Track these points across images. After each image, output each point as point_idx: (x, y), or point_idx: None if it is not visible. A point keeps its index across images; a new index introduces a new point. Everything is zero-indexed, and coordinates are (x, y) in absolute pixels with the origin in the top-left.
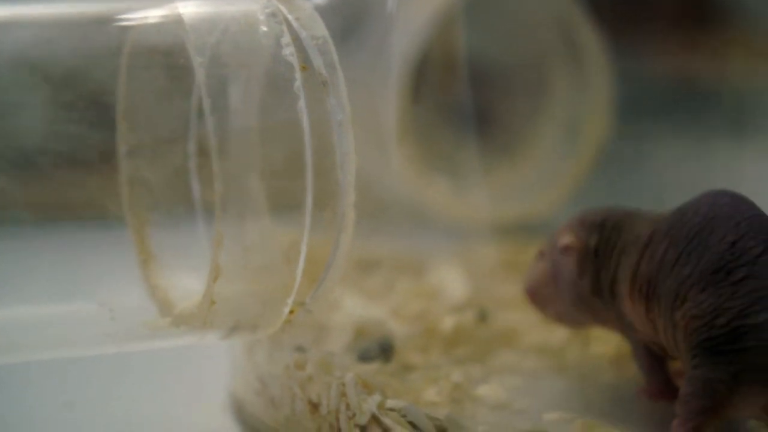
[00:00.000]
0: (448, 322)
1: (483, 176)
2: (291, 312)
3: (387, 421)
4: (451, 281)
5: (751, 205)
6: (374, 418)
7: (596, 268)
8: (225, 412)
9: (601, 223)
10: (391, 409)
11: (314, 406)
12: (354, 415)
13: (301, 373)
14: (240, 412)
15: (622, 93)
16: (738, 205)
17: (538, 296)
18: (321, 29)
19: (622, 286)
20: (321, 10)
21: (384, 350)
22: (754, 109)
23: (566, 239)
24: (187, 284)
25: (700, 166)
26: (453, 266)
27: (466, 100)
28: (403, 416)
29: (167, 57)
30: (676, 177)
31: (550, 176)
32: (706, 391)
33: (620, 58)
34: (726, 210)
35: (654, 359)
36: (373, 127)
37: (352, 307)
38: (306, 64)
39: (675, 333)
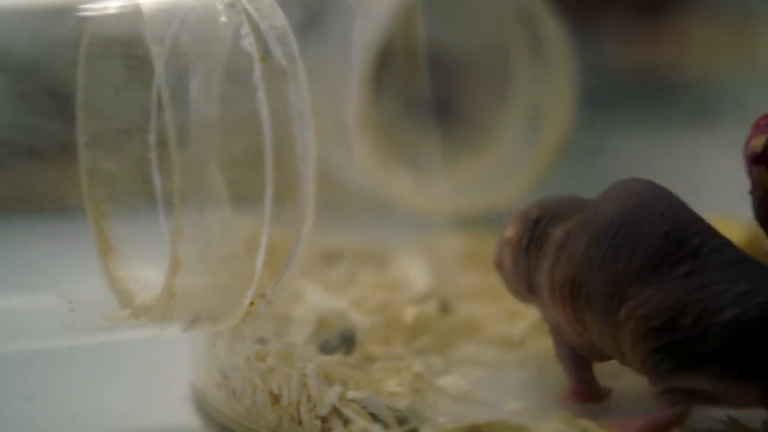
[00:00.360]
0: (410, 313)
1: (445, 167)
2: (252, 304)
3: (347, 412)
4: (414, 272)
5: (667, 192)
6: (335, 410)
7: (528, 266)
8: (186, 405)
9: (537, 220)
10: (352, 401)
11: (275, 398)
12: (315, 406)
13: (262, 365)
14: (201, 404)
15: (585, 83)
16: (656, 193)
17: (501, 269)
18: (280, 19)
19: (543, 288)
20: (281, 1)
21: (346, 341)
22: (712, 99)
23: (508, 231)
24: (147, 276)
25: (661, 155)
26: (415, 257)
27: (426, 90)
28: (364, 407)
29: (126, 47)
30: (638, 167)
31: (512, 167)
32: (685, 401)
33: (582, 49)
34: (646, 200)
35: (579, 361)
36: (334, 118)
37: (314, 299)
38: (266, 55)
39: (616, 333)
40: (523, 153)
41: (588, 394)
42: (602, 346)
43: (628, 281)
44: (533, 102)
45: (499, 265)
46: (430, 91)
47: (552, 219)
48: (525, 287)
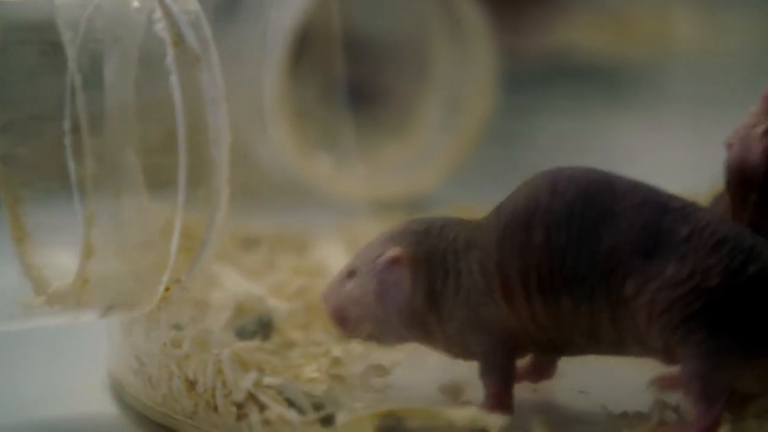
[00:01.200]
0: None
1: (365, 152)
2: (167, 290)
3: (263, 398)
4: (333, 258)
5: (605, 172)
6: (251, 396)
7: (429, 279)
8: (104, 392)
9: (426, 231)
10: (269, 386)
11: (191, 384)
12: (230, 392)
13: (177, 351)
14: (118, 391)
15: (505, 68)
16: (600, 174)
17: (351, 317)
18: (193, 4)
19: (476, 293)
20: None
21: (263, 327)
22: (627, 82)
23: (393, 251)
24: (62, 263)
25: (579, 138)
26: (335, 243)
27: (342, 75)
28: (280, 393)
29: (40, 33)
30: (556, 150)
31: (432, 152)
32: (726, 364)
33: (502, 33)
34: (594, 176)
35: (510, 373)
36: (251, 103)
37: (232, 285)
38: (178, 40)
39: (617, 314)
40: (443, 138)
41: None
42: (583, 335)
43: (622, 257)
44: (453, 87)
45: (346, 313)
46: (347, 77)
47: (440, 228)
48: (423, 305)
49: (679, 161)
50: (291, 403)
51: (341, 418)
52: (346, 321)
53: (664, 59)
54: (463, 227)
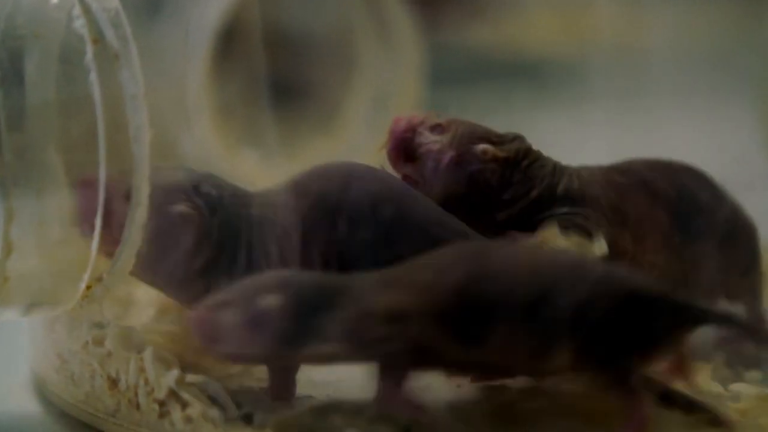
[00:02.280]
0: None
1: (290, 148)
2: (88, 287)
3: (186, 395)
4: None
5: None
6: (173, 393)
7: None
8: (26, 390)
9: None
10: (191, 384)
11: (113, 382)
12: (152, 390)
13: (100, 349)
14: (41, 389)
15: (434, 64)
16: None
17: None
18: (113, 0)
19: None
20: None
21: None
22: (551, 78)
23: None
24: None
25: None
26: None
27: (266, 70)
28: (203, 391)
29: None
30: None
31: (359, 148)
32: None
33: (427, 29)
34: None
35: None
36: (175, 99)
37: None
38: (98, 37)
39: None
40: (371, 134)
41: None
42: None
43: None
44: (379, 83)
45: None
46: (271, 72)
47: None
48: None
49: (602, 157)
50: (214, 401)
51: (262, 415)
52: None
53: (589, 53)
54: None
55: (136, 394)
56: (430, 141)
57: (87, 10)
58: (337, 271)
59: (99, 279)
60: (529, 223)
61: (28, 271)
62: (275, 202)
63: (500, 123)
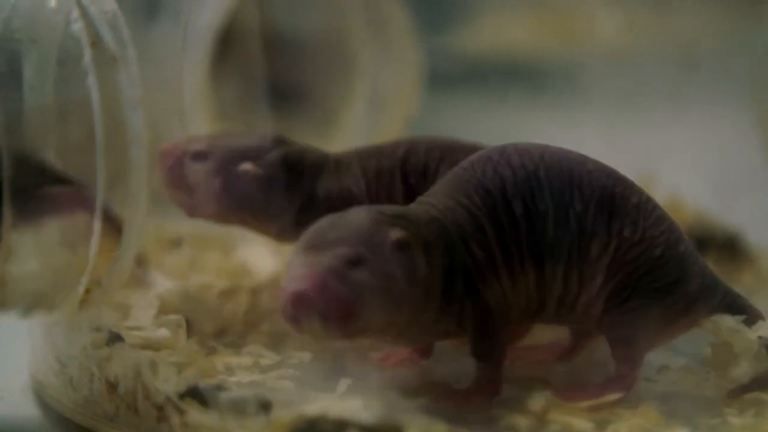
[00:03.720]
0: (249, 299)
1: None
2: (87, 291)
3: (183, 401)
4: (258, 258)
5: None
6: (169, 399)
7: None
8: (25, 394)
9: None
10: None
11: (112, 387)
12: (151, 395)
13: (98, 353)
14: (40, 393)
15: (432, 67)
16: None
17: (364, 312)
18: (111, 4)
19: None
20: None
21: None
22: (548, 81)
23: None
24: None
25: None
26: (259, 243)
27: (263, 74)
28: (201, 395)
29: None
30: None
31: None
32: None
33: (426, 30)
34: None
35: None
36: (172, 103)
37: (154, 286)
38: (96, 40)
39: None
40: (367, 137)
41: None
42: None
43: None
44: (377, 84)
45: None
46: (269, 76)
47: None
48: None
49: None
50: (210, 406)
51: (259, 420)
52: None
53: (585, 58)
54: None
55: (135, 399)
56: (195, 171)
57: (85, 13)
58: None
59: (98, 282)
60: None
61: (26, 275)
62: None
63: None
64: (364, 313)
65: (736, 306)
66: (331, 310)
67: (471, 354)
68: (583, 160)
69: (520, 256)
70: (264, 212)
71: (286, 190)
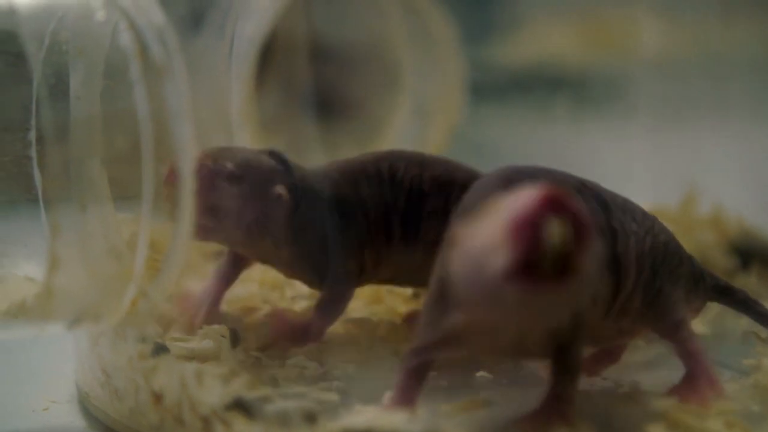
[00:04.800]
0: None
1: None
2: (133, 302)
3: (228, 413)
4: None
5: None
6: (215, 410)
7: None
8: (71, 405)
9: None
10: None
11: (157, 398)
12: (196, 406)
13: (144, 364)
14: (85, 404)
15: (476, 78)
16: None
17: None
18: (158, 16)
19: None
20: None
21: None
22: (594, 92)
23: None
24: (29, 274)
25: (546, 149)
26: None
27: (309, 85)
28: (247, 405)
29: (5, 44)
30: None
31: None
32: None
33: (469, 41)
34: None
35: None
36: (218, 114)
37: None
38: (143, 52)
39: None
40: (412, 147)
41: None
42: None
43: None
44: (421, 96)
45: None
46: (314, 87)
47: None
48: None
49: (644, 171)
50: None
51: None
52: None
53: (630, 68)
54: None
55: (180, 410)
56: (228, 195)
57: (133, 25)
58: None
59: (144, 293)
60: None
61: (72, 286)
62: None
63: (541, 136)
64: None
65: (721, 287)
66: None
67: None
68: (576, 182)
69: None
70: (287, 236)
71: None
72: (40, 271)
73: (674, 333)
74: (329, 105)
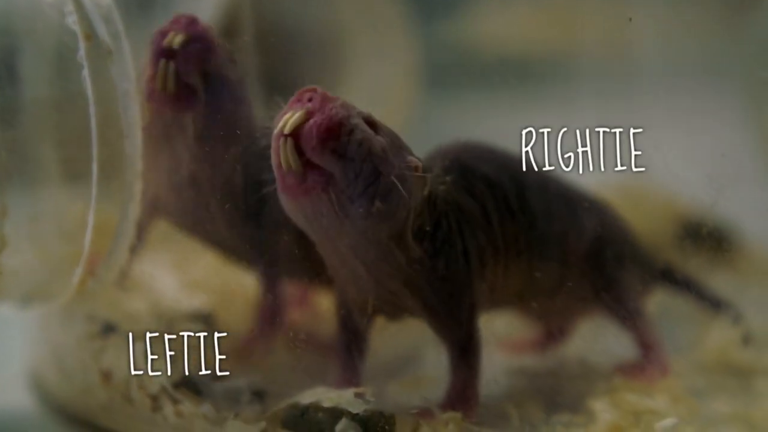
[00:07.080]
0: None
1: None
2: (82, 282)
3: (177, 392)
4: None
5: None
6: (164, 388)
7: None
8: (21, 385)
9: None
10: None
11: (106, 377)
12: (145, 384)
13: (93, 344)
14: (36, 384)
15: (430, 60)
16: None
17: None
18: None
19: None
20: None
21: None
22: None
23: None
24: None
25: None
26: None
27: (256, 68)
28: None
29: None
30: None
31: None
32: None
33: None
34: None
35: None
36: None
37: (151, 278)
38: (90, 33)
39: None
40: None
41: None
42: None
43: None
44: (372, 80)
45: None
46: (261, 70)
47: None
48: None
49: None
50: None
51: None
52: None
53: (574, 53)
54: None
55: (129, 389)
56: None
57: (80, 7)
58: None
59: (92, 273)
60: None
61: (21, 266)
62: None
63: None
64: None
65: (667, 269)
66: None
67: None
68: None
69: None
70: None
71: None
72: None
73: (625, 314)
74: (277, 88)
